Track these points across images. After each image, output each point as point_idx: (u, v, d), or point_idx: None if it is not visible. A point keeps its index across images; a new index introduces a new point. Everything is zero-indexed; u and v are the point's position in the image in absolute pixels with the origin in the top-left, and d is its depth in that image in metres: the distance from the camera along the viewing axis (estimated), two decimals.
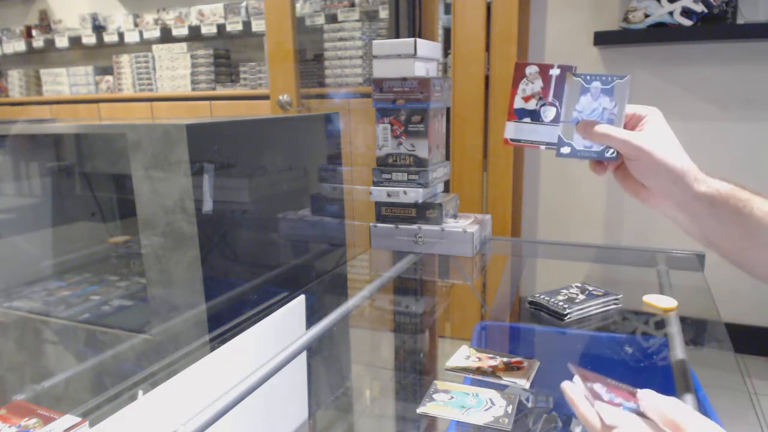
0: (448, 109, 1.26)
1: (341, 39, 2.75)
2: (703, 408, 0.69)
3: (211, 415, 0.56)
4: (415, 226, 1.07)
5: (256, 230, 1.20)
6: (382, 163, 1.07)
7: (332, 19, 2.83)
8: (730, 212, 0.61)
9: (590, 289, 0.98)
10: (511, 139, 0.74)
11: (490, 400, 0.71)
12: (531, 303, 0.96)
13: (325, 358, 1.08)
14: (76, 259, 1.55)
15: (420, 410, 0.69)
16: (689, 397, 0.62)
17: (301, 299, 0.84)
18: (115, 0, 3.73)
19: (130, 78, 3.53)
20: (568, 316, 0.90)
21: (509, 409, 0.69)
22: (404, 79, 1.02)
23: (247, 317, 1.06)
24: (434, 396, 0.72)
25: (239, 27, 3.20)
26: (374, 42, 1.03)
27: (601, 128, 0.67)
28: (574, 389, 0.53)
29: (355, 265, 1.32)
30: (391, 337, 1.21)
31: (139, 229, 1.07)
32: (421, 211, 1.07)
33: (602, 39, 2.18)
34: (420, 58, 1.03)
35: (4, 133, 1.40)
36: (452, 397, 0.72)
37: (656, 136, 0.65)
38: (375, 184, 1.08)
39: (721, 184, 0.62)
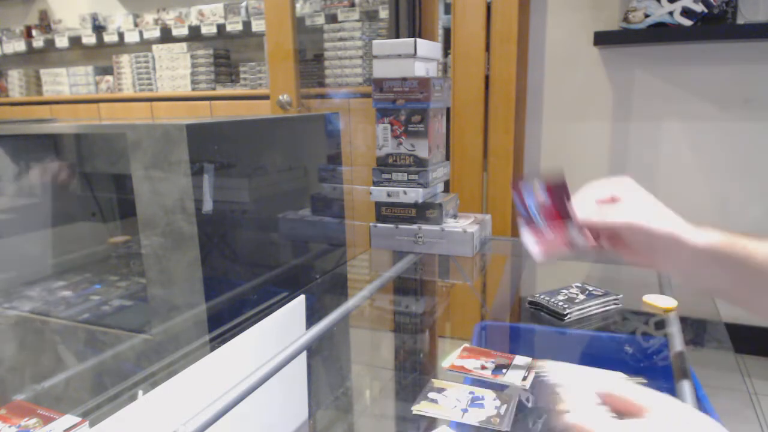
0: (448, 109, 1.26)
1: (341, 39, 2.75)
2: (703, 408, 0.69)
3: (211, 415, 0.56)
4: (415, 226, 1.07)
5: (256, 230, 1.20)
6: (382, 163, 1.07)
7: (332, 19, 2.83)
8: (731, 262, 0.61)
9: (590, 289, 0.98)
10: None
11: (486, 399, 0.71)
12: (531, 303, 0.96)
13: (325, 358, 1.08)
14: (76, 259, 1.55)
15: (414, 408, 0.69)
16: (689, 398, 0.62)
17: (301, 299, 0.84)
18: (115, 0, 3.73)
19: (130, 78, 3.53)
20: (568, 316, 0.90)
21: (503, 409, 0.69)
22: (404, 79, 1.02)
23: (247, 317, 1.06)
24: (429, 395, 0.72)
25: (239, 27, 3.20)
26: (374, 42, 1.03)
27: (601, 221, 0.68)
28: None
29: (355, 265, 1.32)
30: (391, 337, 1.21)
31: (139, 229, 1.07)
32: (421, 211, 1.07)
33: (602, 39, 2.18)
34: (420, 58, 1.03)
35: (4, 133, 1.40)
36: (447, 397, 0.72)
37: (640, 207, 0.65)
38: (375, 184, 1.08)
39: (715, 235, 0.62)
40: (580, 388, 0.51)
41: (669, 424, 0.44)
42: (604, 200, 0.69)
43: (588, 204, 0.70)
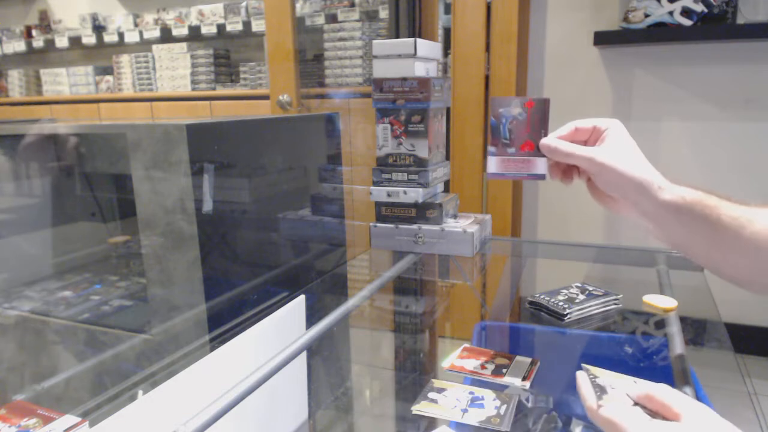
0: (448, 109, 1.26)
1: (341, 39, 2.75)
2: None
3: (211, 415, 0.56)
4: (415, 226, 1.07)
5: (256, 230, 1.20)
6: (382, 163, 1.07)
7: (332, 19, 2.83)
8: (696, 219, 0.62)
9: (590, 289, 0.98)
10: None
11: (486, 399, 0.71)
12: (531, 303, 0.96)
13: (325, 358, 1.08)
14: (76, 259, 1.55)
15: (414, 408, 0.69)
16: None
17: (301, 299, 0.84)
18: (115, 0, 3.73)
19: (130, 78, 3.53)
20: (568, 316, 0.90)
21: (503, 409, 0.69)
22: (404, 79, 1.02)
23: (247, 317, 1.06)
24: (429, 395, 0.72)
25: (239, 27, 3.20)
26: (374, 42, 1.03)
27: (566, 147, 0.68)
28: (584, 374, 0.56)
29: (355, 265, 1.32)
30: (391, 337, 1.21)
31: (139, 229, 1.07)
32: (421, 211, 1.07)
33: (602, 39, 2.18)
34: (420, 58, 1.03)
35: (4, 133, 1.40)
36: (447, 397, 0.72)
37: (617, 149, 0.66)
38: (375, 184, 1.08)
39: (687, 191, 0.63)
40: (621, 389, 0.52)
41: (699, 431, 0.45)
42: (585, 129, 0.69)
43: (563, 131, 0.70)
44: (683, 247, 0.67)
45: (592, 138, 0.70)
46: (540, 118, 0.72)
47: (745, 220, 0.59)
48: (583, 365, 0.58)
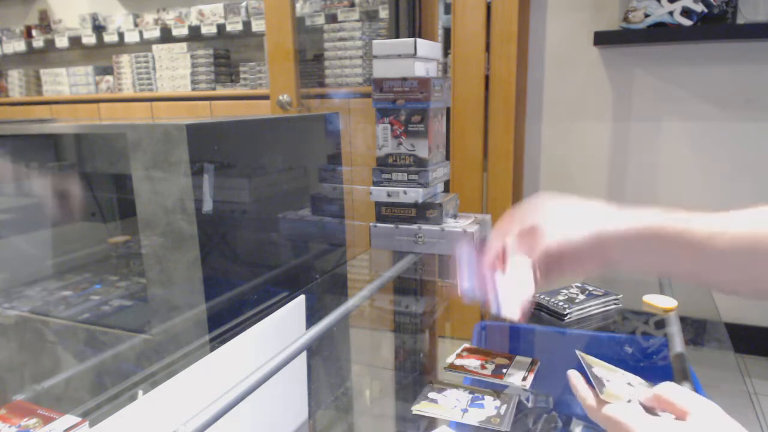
0: (448, 109, 1.26)
1: (341, 39, 2.75)
2: None
3: (211, 415, 0.56)
4: (415, 226, 1.07)
5: (256, 230, 1.20)
6: (382, 163, 1.07)
7: (332, 19, 2.83)
8: (667, 239, 0.58)
9: (590, 289, 0.98)
10: None
11: (486, 399, 0.71)
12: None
13: (325, 358, 1.09)
14: (76, 259, 1.55)
15: (414, 408, 0.69)
16: None
17: (301, 299, 0.84)
18: (115, 0, 3.73)
19: (130, 78, 3.53)
20: (568, 316, 0.90)
21: (503, 409, 0.69)
22: (404, 79, 1.02)
23: (247, 317, 1.06)
24: (429, 395, 0.72)
25: (239, 27, 3.20)
26: (374, 42, 1.03)
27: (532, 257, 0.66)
28: (576, 374, 0.55)
29: (355, 265, 1.32)
30: (391, 337, 1.21)
31: (139, 229, 1.07)
32: (421, 211, 1.07)
33: (602, 39, 2.18)
34: (420, 58, 1.03)
35: (4, 133, 1.40)
36: (447, 397, 0.72)
37: (556, 226, 0.63)
38: (375, 184, 1.08)
39: (645, 214, 0.60)
40: (623, 385, 0.52)
41: (705, 430, 0.44)
42: (526, 230, 0.66)
43: (517, 245, 0.67)
44: (664, 271, 0.63)
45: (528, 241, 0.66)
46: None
47: (720, 228, 0.56)
48: (578, 352, 0.57)
